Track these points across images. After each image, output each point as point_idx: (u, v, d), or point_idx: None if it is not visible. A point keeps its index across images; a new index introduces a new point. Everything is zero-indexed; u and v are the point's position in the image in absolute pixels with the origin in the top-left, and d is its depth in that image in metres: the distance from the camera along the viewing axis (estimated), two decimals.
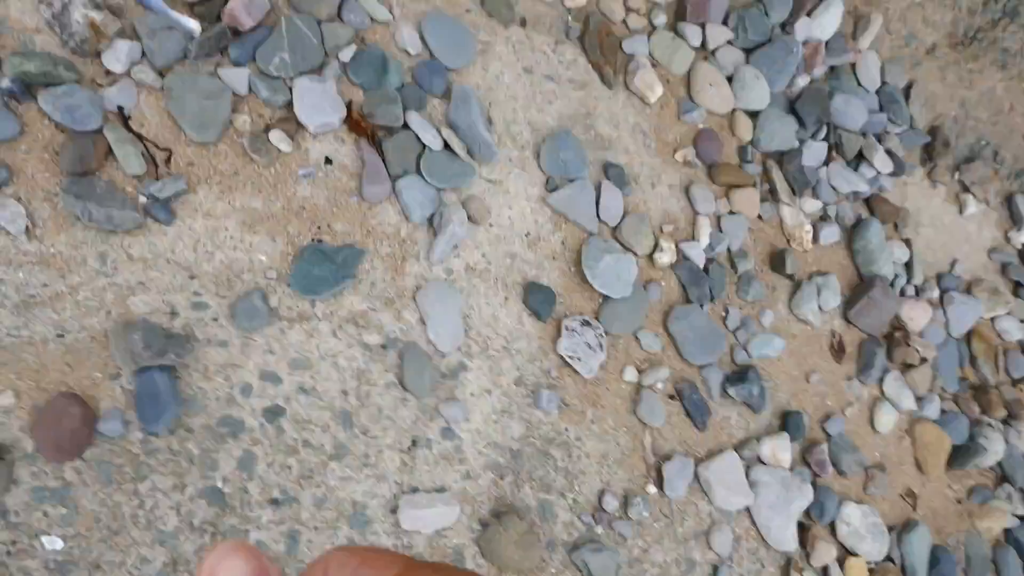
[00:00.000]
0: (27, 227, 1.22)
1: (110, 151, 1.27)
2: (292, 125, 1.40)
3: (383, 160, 1.46)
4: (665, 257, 1.71)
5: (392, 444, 1.40)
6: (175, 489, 1.27)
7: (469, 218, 1.52)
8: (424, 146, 1.49)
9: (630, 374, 1.62)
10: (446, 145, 1.51)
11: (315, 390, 1.38)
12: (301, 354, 1.38)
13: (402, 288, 1.47)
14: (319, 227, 1.43)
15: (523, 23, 1.65)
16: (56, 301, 1.25)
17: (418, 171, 1.49)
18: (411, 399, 1.43)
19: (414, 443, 1.41)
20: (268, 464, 1.33)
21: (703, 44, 1.89)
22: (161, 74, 1.31)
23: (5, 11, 1.21)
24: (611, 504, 1.52)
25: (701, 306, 1.73)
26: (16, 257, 1.22)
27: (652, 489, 1.58)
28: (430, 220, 1.50)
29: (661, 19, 1.84)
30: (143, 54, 1.29)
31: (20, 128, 1.21)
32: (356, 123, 1.45)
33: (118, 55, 1.26)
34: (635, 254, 1.69)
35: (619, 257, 1.63)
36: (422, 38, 1.54)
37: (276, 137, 1.38)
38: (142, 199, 1.29)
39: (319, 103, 1.40)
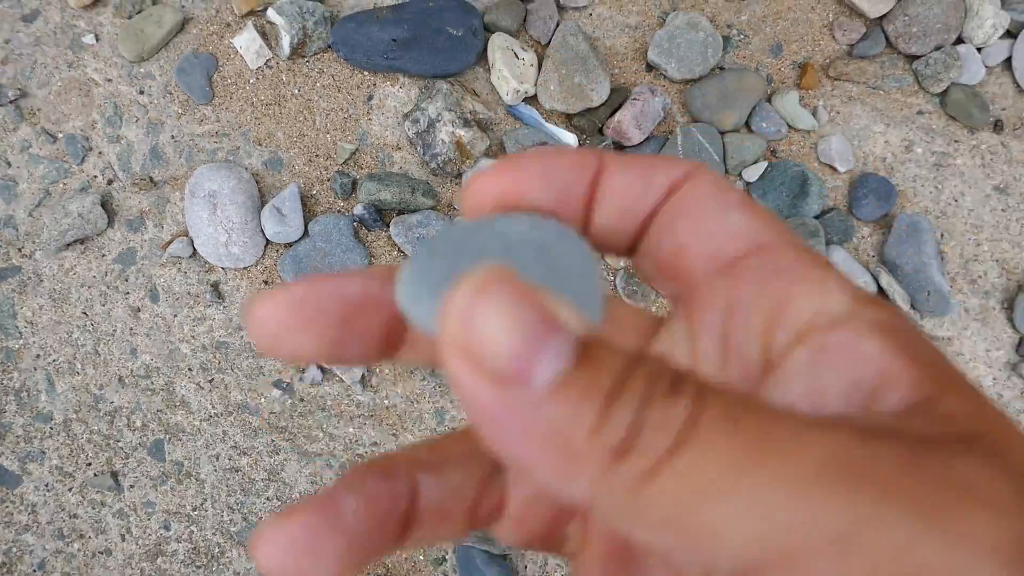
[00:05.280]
0: (363, 375, 1.04)
1: None
2: None
3: None
4: None
5: None
6: None
7: None
8: None
9: None
10: (880, 292, 1.10)
11: None
12: None
13: None
14: None
15: (998, 127, 1.19)
16: None
17: None
18: None
19: None
20: None
21: None
22: None
23: (368, 126, 1.06)
24: None
25: None
26: (348, 409, 1.05)
27: None
28: None
29: None
30: None
31: (368, 260, 1.04)
32: None
33: None
34: None
35: None
36: (854, 148, 1.16)
37: None
38: None
39: None
